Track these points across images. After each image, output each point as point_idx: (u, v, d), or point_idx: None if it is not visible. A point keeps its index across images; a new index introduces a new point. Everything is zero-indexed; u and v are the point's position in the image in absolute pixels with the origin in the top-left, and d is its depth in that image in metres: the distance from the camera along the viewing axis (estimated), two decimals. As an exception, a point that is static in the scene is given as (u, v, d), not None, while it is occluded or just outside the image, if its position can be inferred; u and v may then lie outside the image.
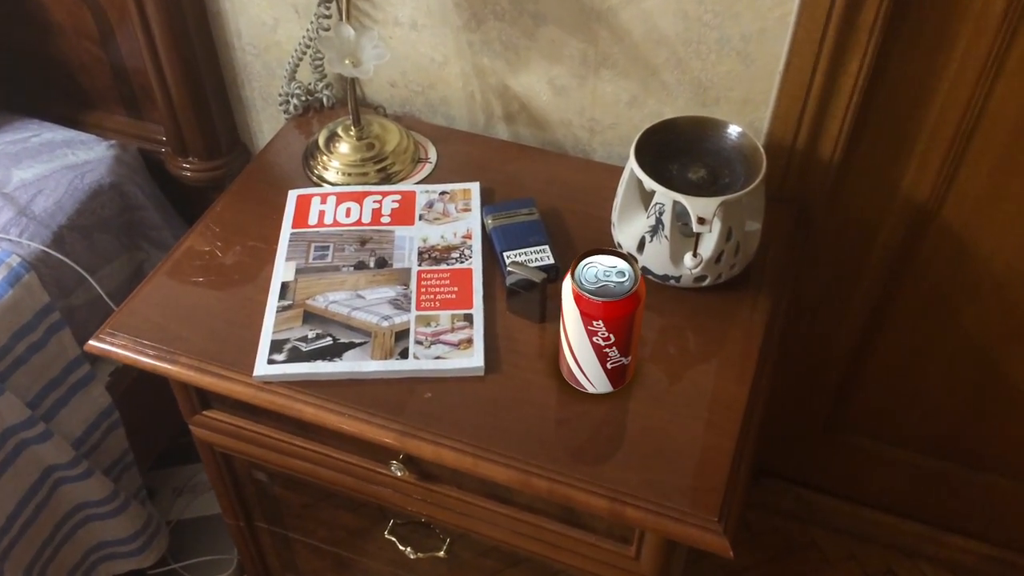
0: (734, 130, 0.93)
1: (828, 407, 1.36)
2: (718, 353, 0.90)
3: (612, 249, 0.79)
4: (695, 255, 0.89)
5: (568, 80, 1.07)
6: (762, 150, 0.90)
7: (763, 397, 0.88)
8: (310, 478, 1.00)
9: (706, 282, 0.92)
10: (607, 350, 0.79)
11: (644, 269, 0.93)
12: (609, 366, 0.81)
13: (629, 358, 0.82)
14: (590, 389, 0.84)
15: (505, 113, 1.14)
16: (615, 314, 0.76)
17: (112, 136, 1.38)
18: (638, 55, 1.01)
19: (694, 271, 0.90)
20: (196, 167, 1.32)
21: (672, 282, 0.93)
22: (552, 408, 0.85)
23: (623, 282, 0.77)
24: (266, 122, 1.31)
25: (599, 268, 0.78)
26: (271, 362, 0.87)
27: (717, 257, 0.90)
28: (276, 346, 0.89)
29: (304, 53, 1.13)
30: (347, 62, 0.98)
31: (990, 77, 0.94)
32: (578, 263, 0.78)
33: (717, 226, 0.87)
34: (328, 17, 1.06)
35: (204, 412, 0.99)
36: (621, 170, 0.94)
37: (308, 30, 1.11)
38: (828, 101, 0.95)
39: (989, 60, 0.92)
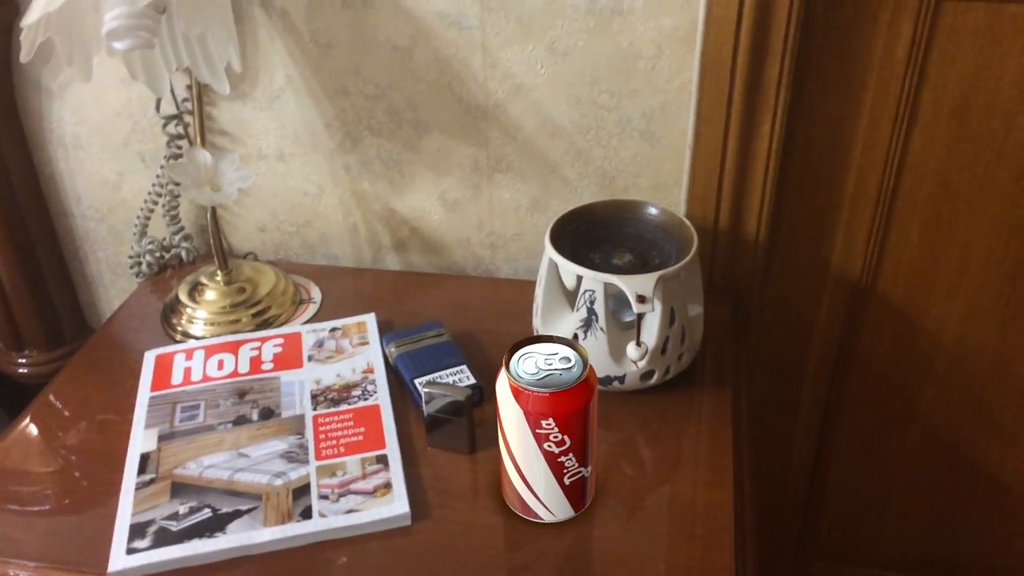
0: (654, 208, 0.83)
1: (796, 532, 1.21)
2: (685, 458, 0.75)
3: (549, 335, 0.65)
4: (639, 343, 0.76)
5: (461, 192, 0.97)
6: (689, 223, 0.80)
7: (750, 501, 0.73)
8: None
9: (654, 379, 0.79)
10: (562, 459, 0.63)
11: (582, 375, 0.80)
12: (567, 481, 0.65)
13: (589, 468, 0.66)
14: (547, 517, 0.67)
15: (394, 242, 1.02)
16: (568, 408, 0.61)
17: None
18: (534, 152, 0.92)
19: (640, 363, 0.77)
20: (35, 360, 1.13)
21: (616, 384, 0.79)
22: (501, 552, 0.67)
23: (570, 368, 0.63)
24: (117, 297, 1.14)
25: (538, 357, 0.64)
26: (131, 551, 0.67)
27: (662, 347, 0.77)
28: (137, 530, 0.68)
29: (156, 202, 0.99)
30: (207, 188, 0.85)
31: (903, 127, 0.88)
32: (511, 355, 0.64)
33: (659, 307, 0.76)
34: (180, 155, 0.93)
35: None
36: (532, 284, 0.83)
37: (159, 175, 0.98)
38: (746, 171, 0.88)
39: (900, 108, 0.87)
